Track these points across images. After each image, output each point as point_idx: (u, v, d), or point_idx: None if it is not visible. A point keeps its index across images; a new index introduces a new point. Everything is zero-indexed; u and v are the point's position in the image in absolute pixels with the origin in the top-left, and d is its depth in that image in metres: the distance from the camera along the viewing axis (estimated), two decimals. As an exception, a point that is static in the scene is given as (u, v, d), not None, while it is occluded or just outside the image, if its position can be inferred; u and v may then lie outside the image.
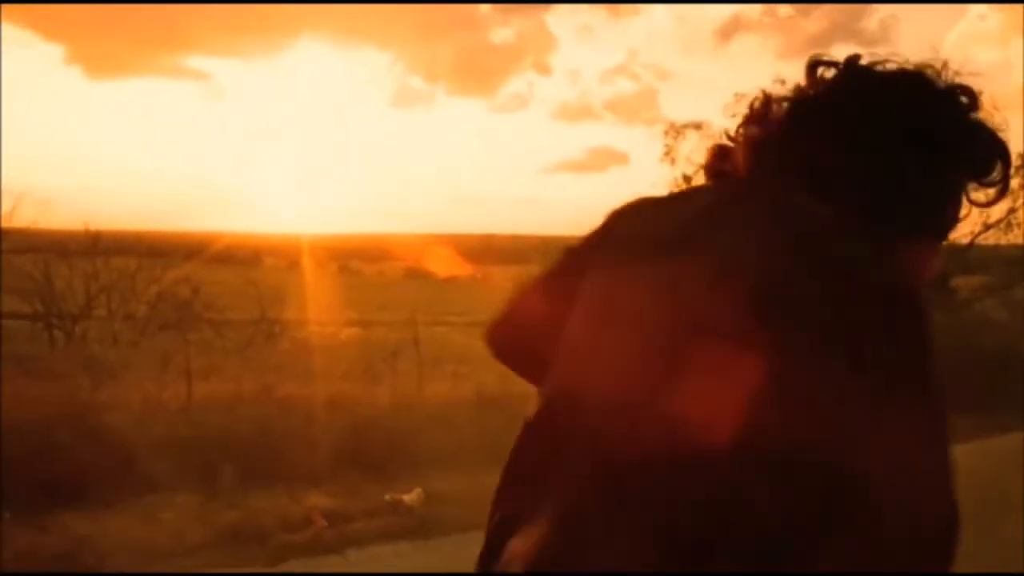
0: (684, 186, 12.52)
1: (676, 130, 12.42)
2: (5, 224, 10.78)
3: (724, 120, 1.12)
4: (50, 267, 11.33)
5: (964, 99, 1.02)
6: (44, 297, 11.27)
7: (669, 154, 12.48)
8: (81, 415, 6.80)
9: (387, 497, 5.38)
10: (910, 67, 1.03)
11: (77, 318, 11.26)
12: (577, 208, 12.31)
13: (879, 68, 1.03)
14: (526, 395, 1.06)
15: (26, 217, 11.64)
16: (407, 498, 5.38)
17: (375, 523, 5.01)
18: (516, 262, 11.54)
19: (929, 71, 1.02)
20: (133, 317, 11.41)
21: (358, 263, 41.54)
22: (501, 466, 1.02)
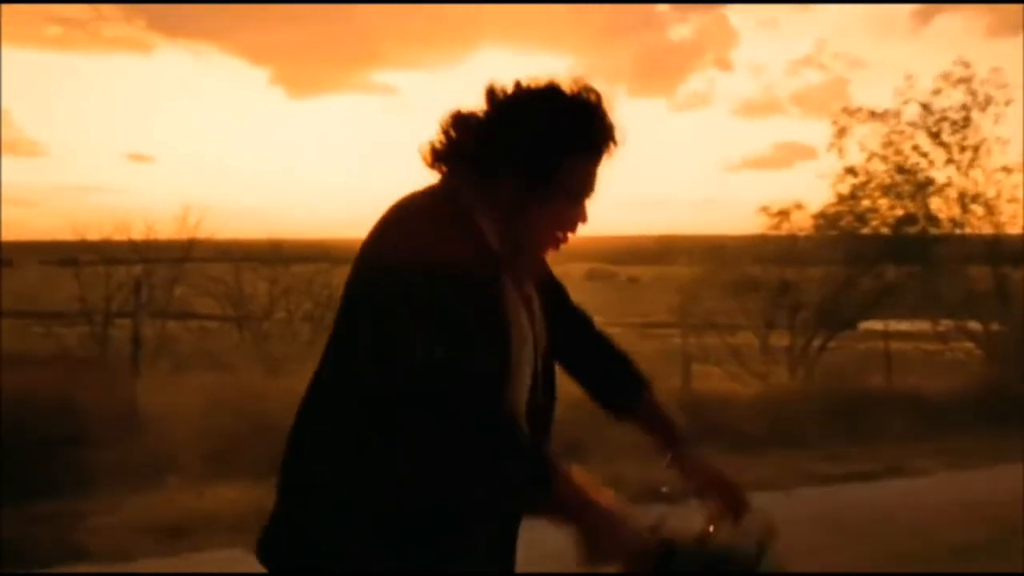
0: (848, 180, 12.05)
1: (849, 115, 11.74)
2: (203, 235, 11.87)
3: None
4: (240, 274, 12.55)
5: (587, 96, 1.42)
6: (234, 300, 12.44)
7: (835, 144, 11.81)
8: (258, 403, 7.52)
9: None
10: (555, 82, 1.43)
11: (261, 319, 12.34)
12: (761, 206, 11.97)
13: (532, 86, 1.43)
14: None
15: (222, 229, 12.81)
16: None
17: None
18: (698, 263, 11.46)
19: (567, 82, 1.43)
20: (311, 317, 12.36)
21: (606, 267, 42.17)
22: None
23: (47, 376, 7.16)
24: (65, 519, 4.52)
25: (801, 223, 11.11)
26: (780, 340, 10.36)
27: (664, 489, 5.76)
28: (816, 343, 10.31)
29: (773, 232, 10.90)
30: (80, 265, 10.40)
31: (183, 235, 10.14)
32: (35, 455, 5.44)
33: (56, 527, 4.41)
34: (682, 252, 12.18)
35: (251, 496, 5.01)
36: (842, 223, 11.38)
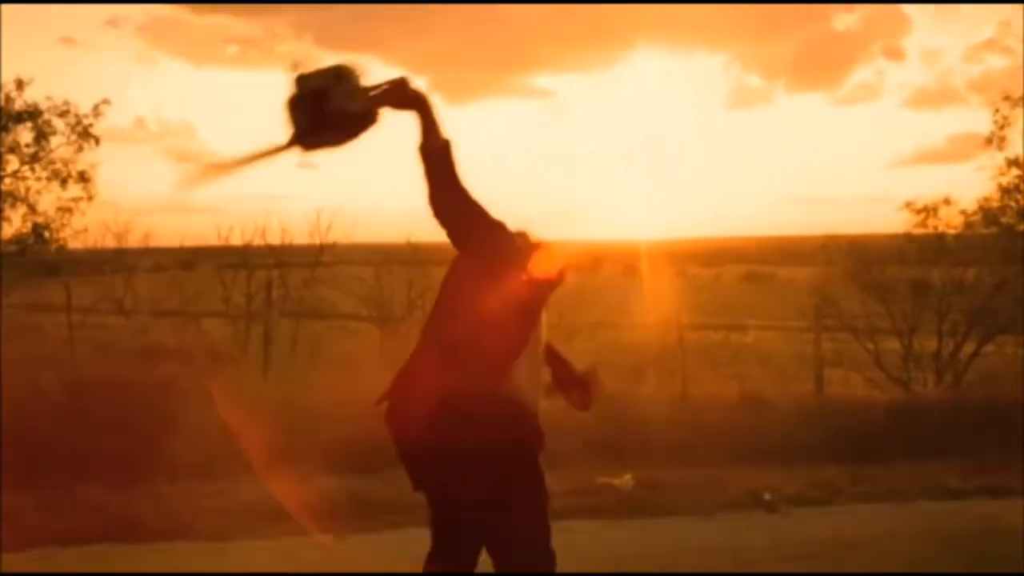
0: (1012, 173, 11.10)
1: (1012, 104, 10.89)
2: (342, 238, 12.36)
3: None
4: (381, 276, 13.07)
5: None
6: (375, 301, 12.93)
7: (997, 135, 10.95)
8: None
9: (600, 480, 5.58)
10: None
11: (400, 319, 12.75)
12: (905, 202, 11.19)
13: None
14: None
15: (379, 232, 13.36)
16: (617, 482, 5.54)
17: (580, 501, 5.23)
18: (840, 263, 11.00)
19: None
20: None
21: (695, 268, 41.33)
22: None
23: (189, 369, 7.71)
24: (180, 499, 4.84)
25: (950, 220, 10.39)
26: (926, 345, 9.70)
27: (767, 496, 5.50)
28: (967, 349, 9.59)
29: (919, 230, 10.24)
30: (251, 268, 11.10)
31: (317, 239, 10.63)
32: (164, 440, 5.88)
33: (171, 506, 4.73)
34: (827, 252, 11.65)
35: (350, 489, 5.23)
36: (1004, 219, 10.57)
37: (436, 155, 2.15)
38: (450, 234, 2.18)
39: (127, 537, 4.36)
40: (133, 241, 15.27)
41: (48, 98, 8.11)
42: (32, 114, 8.18)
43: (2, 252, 7.99)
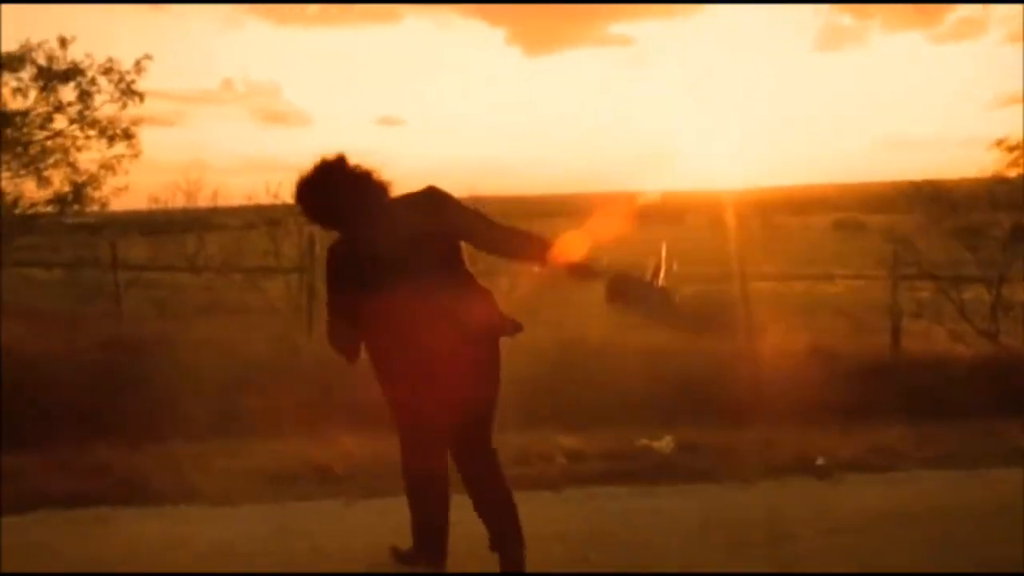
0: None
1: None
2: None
3: None
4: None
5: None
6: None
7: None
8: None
9: (639, 442, 5.21)
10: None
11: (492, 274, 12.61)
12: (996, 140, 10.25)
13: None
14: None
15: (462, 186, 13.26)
16: (657, 444, 5.16)
17: (615, 465, 4.88)
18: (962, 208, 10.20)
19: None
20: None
21: (783, 217, 40.08)
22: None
23: (229, 326, 7.64)
24: (191, 461, 4.69)
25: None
26: (1017, 295, 8.91)
27: (819, 460, 5.00)
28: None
29: (1013, 170, 9.38)
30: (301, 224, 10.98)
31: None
32: (193, 399, 5.77)
33: (180, 468, 4.58)
34: (910, 197, 10.85)
35: (370, 449, 4.99)
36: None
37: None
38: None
39: (132, 499, 4.21)
40: (204, 200, 15.47)
41: (87, 55, 8.00)
42: (75, 72, 8.09)
43: (41, 212, 7.96)
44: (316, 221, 3.14)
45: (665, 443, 5.15)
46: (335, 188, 2.97)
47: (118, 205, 8.69)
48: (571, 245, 2.97)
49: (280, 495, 4.34)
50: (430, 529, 3.15)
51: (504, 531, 3.13)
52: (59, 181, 7.85)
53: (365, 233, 2.95)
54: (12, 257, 7.99)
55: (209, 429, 5.20)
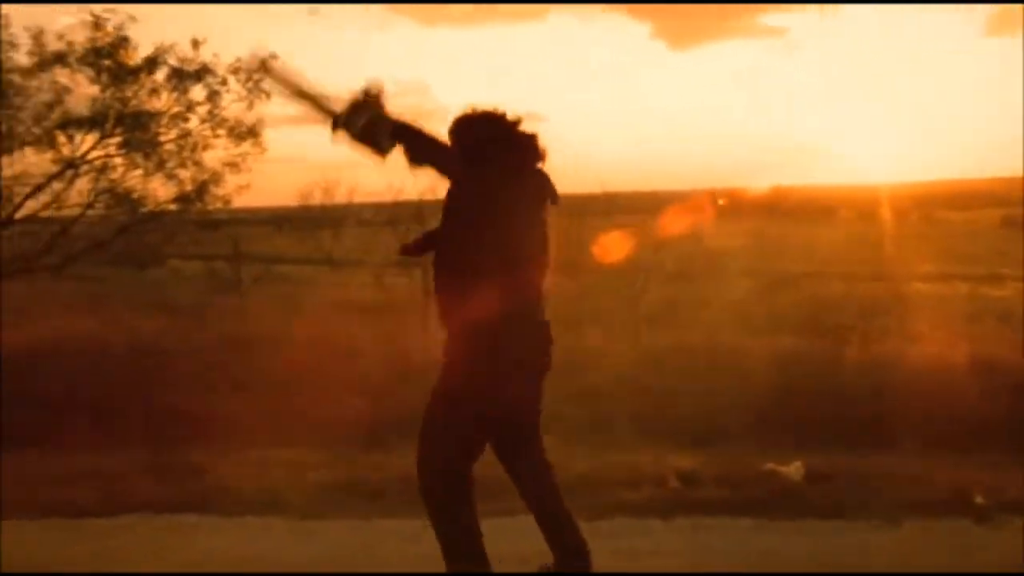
0: None
1: None
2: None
3: None
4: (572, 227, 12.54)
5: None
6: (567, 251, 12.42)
7: None
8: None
9: (764, 466, 4.69)
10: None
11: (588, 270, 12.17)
12: None
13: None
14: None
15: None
16: (784, 470, 4.62)
17: (734, 491, 4.39)
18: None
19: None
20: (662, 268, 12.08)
21: (944, 212, 37.62)
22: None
23: (351, 324, 7.56)
24: (283, 469, 4.54)
25: None
26: None
27: (978, 499, 4.29)
28: None
29: None
30: (423, 220, 10.93)
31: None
32: (298, 401, 5.65)
33: (270, 476, 4.43)
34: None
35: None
36: None
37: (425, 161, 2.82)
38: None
39: (217, 507, 4.09)
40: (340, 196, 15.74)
41: (215, 55, 8.08)
42: (205, 72, 8.20)
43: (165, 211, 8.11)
44: (467, 153, 2.80)
45: (794, 469, 4.61)
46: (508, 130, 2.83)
47: (246, 202, 8.79)
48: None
49: (368, 509, 4.10)
50: (474, 544, 2.84)
51: (573, 545, 2.97)
52: (185, 179, 7.96)
53: (516, 193, 2.79)
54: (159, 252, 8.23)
55: (308, 435, 5.04)
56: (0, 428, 4.90)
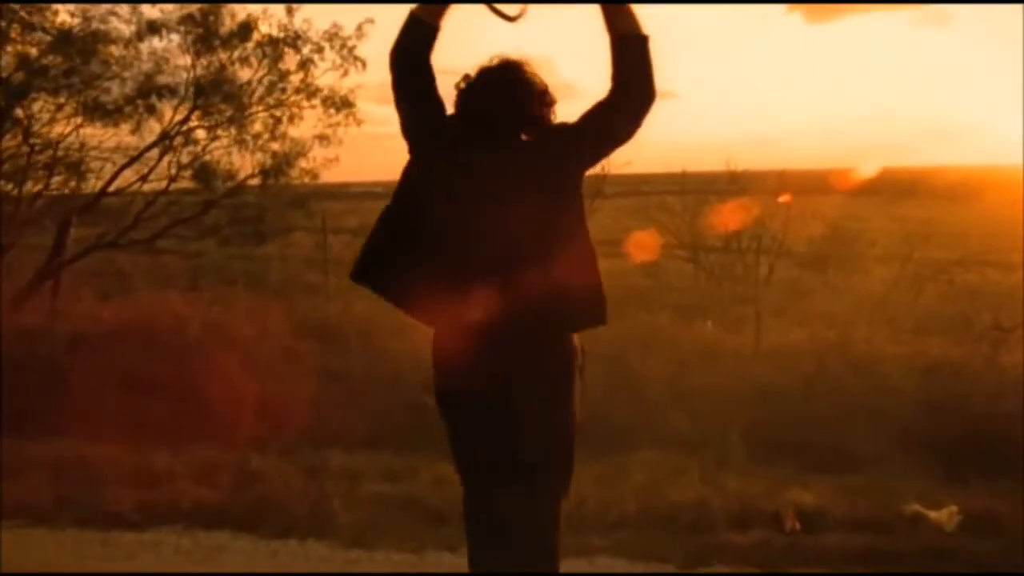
0: None
1: None
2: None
3: None
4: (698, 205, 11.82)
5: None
6: (687, 232, 11.71)
7: None
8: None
9: (908, 508, 3.84)
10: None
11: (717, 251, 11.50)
12: None
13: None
14: None
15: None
16: (934, 515, 3.76)
17: (867, 540, 3.58)
18: None
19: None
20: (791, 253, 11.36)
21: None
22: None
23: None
24: (337, 481, 4.02)
25: None
26: None
27: None
28: None
29: None
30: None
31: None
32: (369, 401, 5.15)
33: (323, 491, 3.91)
34: None
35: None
36: None
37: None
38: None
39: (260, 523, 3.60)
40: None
41: (306, 21, 7.65)
42: (299, 39, 7.80)
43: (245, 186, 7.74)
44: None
45: (946, 514, 3.75)
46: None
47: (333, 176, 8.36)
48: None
49: (424, 538, 3.52)
50: None
51: None
52: (276, 152, 7.59)
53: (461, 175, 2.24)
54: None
55: (368, 441, 4.52)
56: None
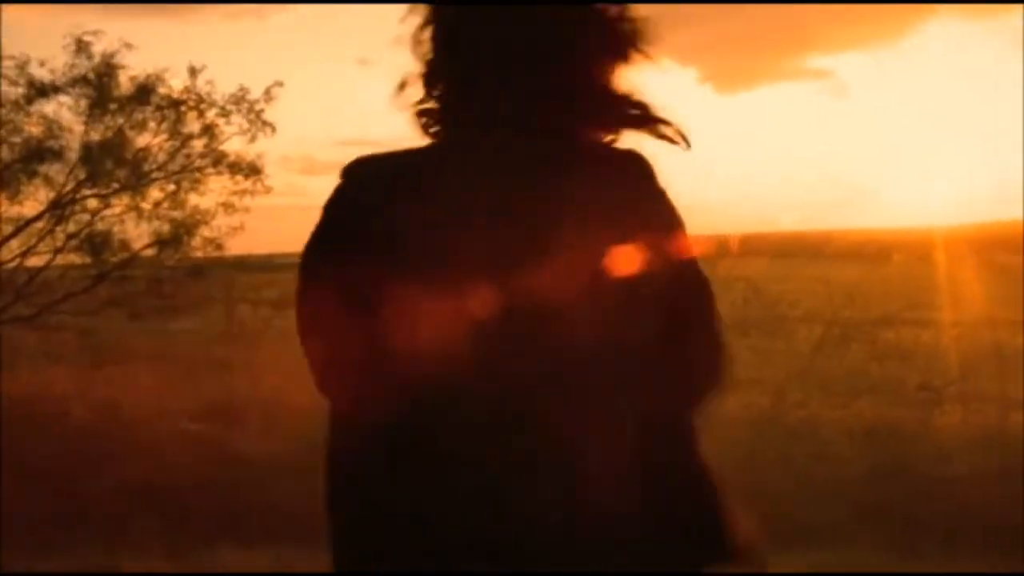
0: None
1: None
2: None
3: None
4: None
5: None
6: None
7: None
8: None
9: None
10: None
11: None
12: None
13: None
14: None
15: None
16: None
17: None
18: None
19: None
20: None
21: (1006, 255, 36.03)
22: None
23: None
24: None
25: None
26: None
27: None
28: None
29: None
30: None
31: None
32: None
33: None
34: None
35: None
36: None
37: None
38: None
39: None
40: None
41: (208, 82, 7.28)
42: (203, 103, 7.40)
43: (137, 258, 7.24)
44: None
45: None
46: None
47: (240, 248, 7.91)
48: None
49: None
50: None
51: None
52: (168, 221, 7.12)
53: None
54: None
55: (273, 535, 4.01)
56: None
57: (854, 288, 14.45)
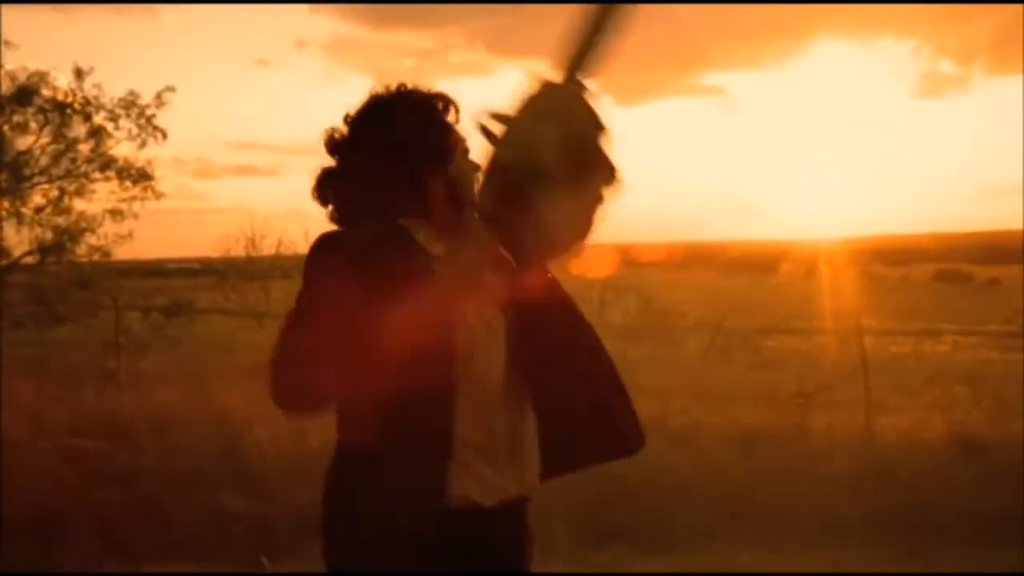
0: None
1: None
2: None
3: None
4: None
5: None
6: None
7: None
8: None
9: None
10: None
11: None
12: None
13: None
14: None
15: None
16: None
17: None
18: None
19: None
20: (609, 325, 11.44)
21: (880, 267, 38.21)
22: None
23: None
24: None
25: None
26: None
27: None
28: None
29: None
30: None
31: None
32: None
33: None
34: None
35: None
36: None
37: None
38: None
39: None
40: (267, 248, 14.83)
41: (96, 85, 7.09)
42: (89, 106, 7.19)
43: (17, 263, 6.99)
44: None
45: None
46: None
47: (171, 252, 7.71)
48: None
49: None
50: None
51: None
52: (52, 228, 6.89)
53: None
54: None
55: (161, 551, 3.97)
56: None
57: (742, 298, 15.12)
